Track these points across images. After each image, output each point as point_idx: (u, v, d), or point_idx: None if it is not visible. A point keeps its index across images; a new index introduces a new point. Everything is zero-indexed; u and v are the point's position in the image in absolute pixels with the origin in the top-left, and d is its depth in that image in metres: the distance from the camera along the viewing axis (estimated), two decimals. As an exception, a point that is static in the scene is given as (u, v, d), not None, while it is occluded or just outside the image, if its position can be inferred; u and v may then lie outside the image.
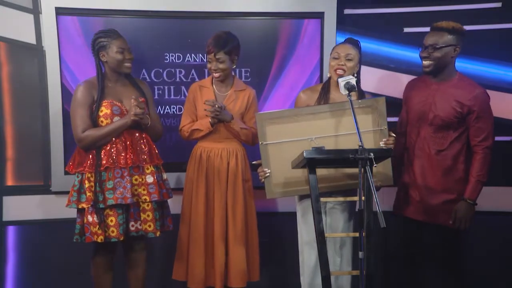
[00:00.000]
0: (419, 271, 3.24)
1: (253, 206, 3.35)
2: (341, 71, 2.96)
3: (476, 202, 3.02)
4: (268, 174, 2.89)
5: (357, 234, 2.57)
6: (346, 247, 3.06)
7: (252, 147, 3.35)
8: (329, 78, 3.07)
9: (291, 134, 2.86)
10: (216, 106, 3.15)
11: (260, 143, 2.87)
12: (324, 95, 3.06)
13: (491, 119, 3.03)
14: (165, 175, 3.22)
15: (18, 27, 3.54)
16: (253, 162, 3.15)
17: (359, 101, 2.90)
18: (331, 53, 3.07)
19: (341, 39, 3.71)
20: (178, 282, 3.33)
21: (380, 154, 2.58)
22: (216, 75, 3.25)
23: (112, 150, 3.03)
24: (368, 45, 3.73)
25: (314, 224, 2.61)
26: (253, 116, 3.24)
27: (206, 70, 3.64)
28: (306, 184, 2.81)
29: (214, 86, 3.34)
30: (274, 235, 3.77)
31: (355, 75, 2.94)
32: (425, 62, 3.03)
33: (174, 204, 3.43)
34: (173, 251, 3.36)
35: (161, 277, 3.69)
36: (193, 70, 3.72)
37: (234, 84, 3.34)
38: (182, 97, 3.69)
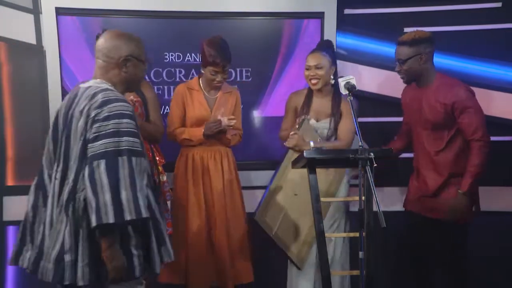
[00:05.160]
0: (423, 271, 3.24)
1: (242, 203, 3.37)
2: (315, 80, 3.14)
3: (468, 194, 3.00)
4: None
5: (357, 234, 2.57)
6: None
7: (237, 147, 3.43)
8: None
9: (283, 206, 3.07)
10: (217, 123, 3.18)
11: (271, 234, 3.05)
12: (306, 103, 3.21)
13: (478, 112, 3.03)
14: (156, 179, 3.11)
15: (18, 27, 3.54)
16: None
17: None
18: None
19: (341, 39, 3.72)
20: (176, 285, 3.32)
21: (380, 154, 2.57)
22: (219, 85, 3.27)
23: None
24: (368, 45, 3.73)
25: (314, 224, 2.61)
26: (237, 117, 3.31)
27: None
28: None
29: (203, 89, 3.33)
30: (268, 236, 3.76)
31: (332, 77, 3.12)
32: (399, 75, 3.12)
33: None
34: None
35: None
36: (193, 70, 3.72)
37: (222, 87, 3.33)
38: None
